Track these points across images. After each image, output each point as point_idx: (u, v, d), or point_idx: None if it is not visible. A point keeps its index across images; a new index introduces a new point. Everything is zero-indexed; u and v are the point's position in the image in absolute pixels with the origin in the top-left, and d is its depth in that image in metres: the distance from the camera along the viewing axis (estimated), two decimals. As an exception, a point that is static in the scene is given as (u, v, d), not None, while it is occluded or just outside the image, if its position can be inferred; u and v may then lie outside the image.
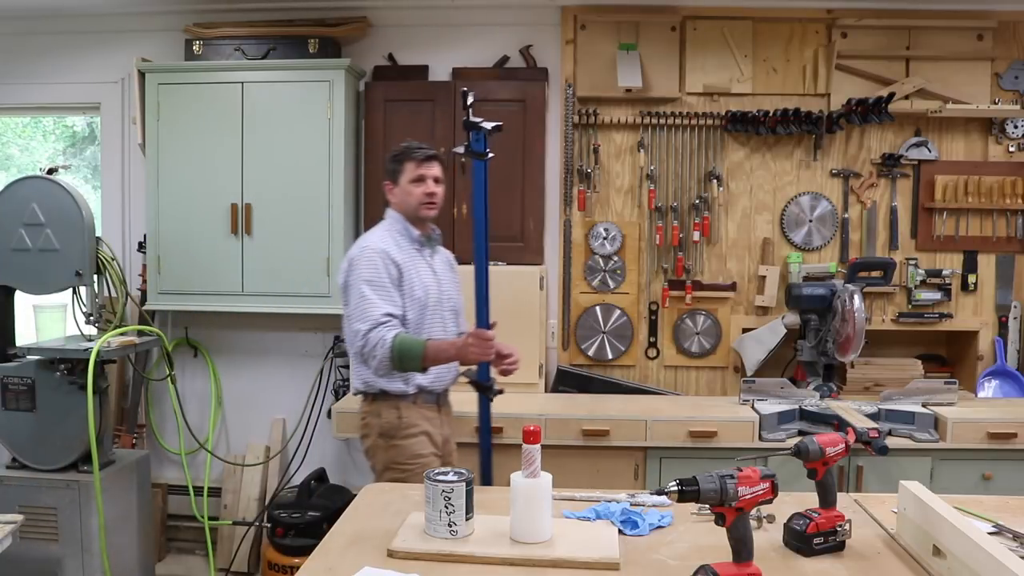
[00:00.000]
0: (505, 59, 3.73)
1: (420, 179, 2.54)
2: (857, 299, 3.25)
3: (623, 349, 3.72)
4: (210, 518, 3.79)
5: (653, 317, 3.74)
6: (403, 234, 2.57)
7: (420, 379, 2.50)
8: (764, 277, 3.67)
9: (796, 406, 3.21)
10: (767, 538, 1.78)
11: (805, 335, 3.43)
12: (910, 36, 3.58)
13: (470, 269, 2.61)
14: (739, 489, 1.49)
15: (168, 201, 3.62)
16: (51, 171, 3.18)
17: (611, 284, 3.72)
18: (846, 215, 3.69)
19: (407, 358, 2.34)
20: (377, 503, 2.03)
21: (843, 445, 1.77)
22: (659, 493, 1.53)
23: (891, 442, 2.96)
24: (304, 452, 3.84)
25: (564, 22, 3.67)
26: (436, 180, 2.57)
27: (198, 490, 3.80)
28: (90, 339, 3.15)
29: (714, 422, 3.09)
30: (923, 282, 3.66)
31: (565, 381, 3.64)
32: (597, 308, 3.72)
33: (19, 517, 2.19)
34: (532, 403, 3.32)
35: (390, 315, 2.39)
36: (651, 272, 3.72)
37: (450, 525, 1.73)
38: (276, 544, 3.35)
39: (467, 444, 3.11)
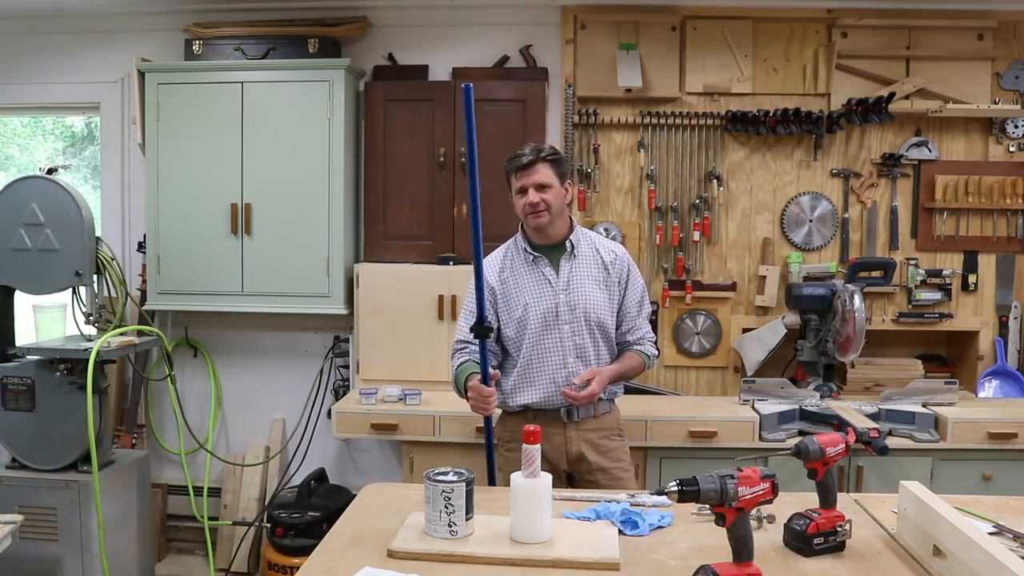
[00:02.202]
0: (505, 59, 3.73)
1: (521, 191, 2.43)
2: (857, 299, 3.25)
3: (623, 349, 3.72)
4: (210, 518, 3.78)
5: (653, 317, 3.72)
6: (516, 248, 2.53)
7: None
8: (764, 277, 3.67)
9: (796, 406, 3.21)
10: (767, 538, 1.78)
11: (805, 335, 3.43)
12: (910, 36, 3.58)
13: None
14: (739, 489, 1.49)
15: (168, 201, 3.62)
16: (51, 171, 3.17)
17: (611, 284, 3.72)
18: (846, 215, 3.69)
19: (457, 387, 2.43)
20: (377, 503, 2.03)
21: (843, 445, 1.77)
22: (659, 493, 1.53)
23: (891, 442, 2.96)
24: (304, 452, 3.84)
25: (564, 22, 3.67)
26: (540, 187, 2.40)
27: (198, 490, 3.80)
28: (90, 339, 3.14)
29: (714, 422, 3.09)
30: (923, 282, 3.66)
31: (565, 381, 3.63)
32: (597, 308, 3.72)
33: (19, 517, 2.19)
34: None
35: (466, 342, 2.44)
36: (651, 272, 3.71)
37: (450, 525, 1.73)
38: (276, 544, 3.35)
39: (469, 444, 3.13)
